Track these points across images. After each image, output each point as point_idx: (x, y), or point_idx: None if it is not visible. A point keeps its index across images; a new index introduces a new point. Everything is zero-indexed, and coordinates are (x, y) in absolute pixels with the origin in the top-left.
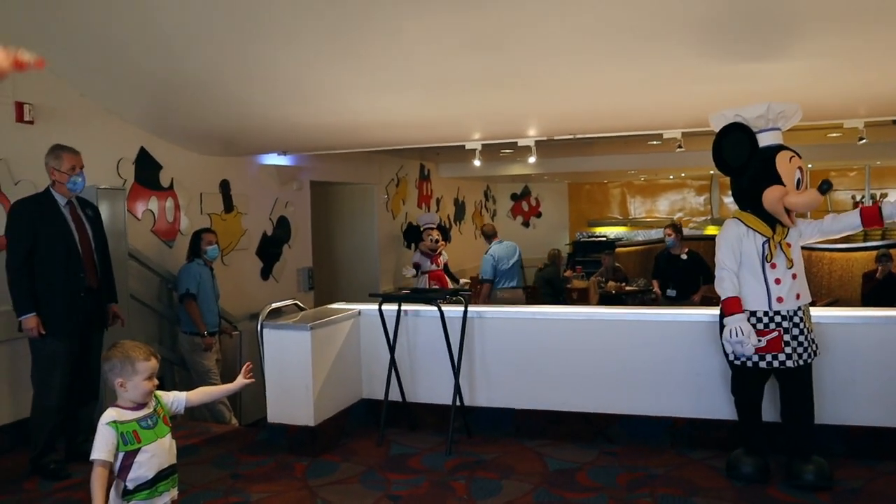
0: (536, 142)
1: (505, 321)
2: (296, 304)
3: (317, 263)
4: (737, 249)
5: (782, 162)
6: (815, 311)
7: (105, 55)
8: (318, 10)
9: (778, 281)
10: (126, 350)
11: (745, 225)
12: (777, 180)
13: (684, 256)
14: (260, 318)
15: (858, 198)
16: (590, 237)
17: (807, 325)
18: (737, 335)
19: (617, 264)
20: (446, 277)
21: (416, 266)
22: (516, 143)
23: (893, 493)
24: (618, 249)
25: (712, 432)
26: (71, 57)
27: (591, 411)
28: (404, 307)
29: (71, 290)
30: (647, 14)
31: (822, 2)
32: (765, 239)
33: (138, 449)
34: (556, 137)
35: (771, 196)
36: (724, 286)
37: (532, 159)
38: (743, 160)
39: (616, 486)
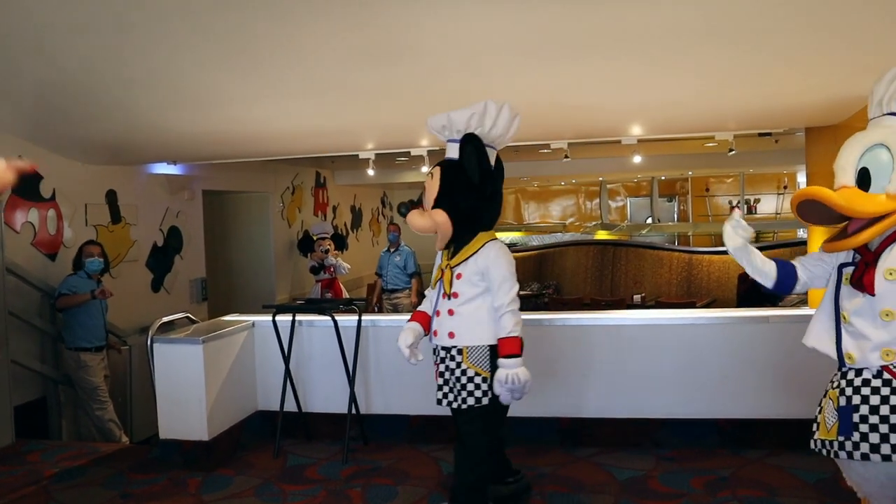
0: (430, 151)
1: (398, 329)
2: (188, 317)
3: (211, 274)
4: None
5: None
6: (692, 312)
7: None
8: (207, 16)
9: (438, 313)
10: None
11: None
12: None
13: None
14: (150, 333)
15: (735, 202)
16: None
17: (463, 368)
18: (511, 382)
19: None
20: (340, 286)
21: (319, 266)
22: (409, 152)
23: (758, 478)
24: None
25: (596, 430)
26: None
27: None
28: (299, 317)
29: None
30: (532, 32)
31: (692, 24)
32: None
33: None
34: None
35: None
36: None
37: (425, 169)
38: None
39: None
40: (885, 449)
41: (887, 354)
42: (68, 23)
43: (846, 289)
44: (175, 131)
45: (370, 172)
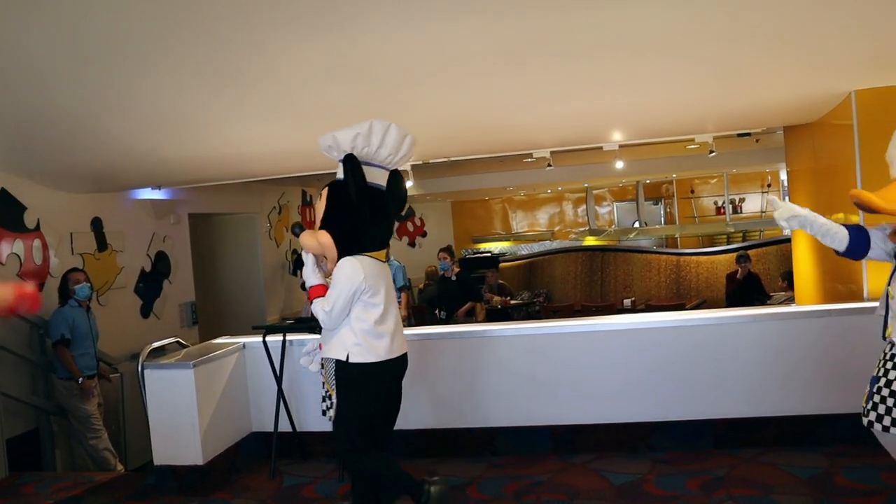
0: (415, 165)
1: None
2: (178, 342)
3: (200, 297)
4: None
5: None
6: (680, 314)
7: None
8: (186, 41)
9: None
10: None
11: None
12: None
13: (454, 278)
14: (140, 359)
15: (720, 203)
16: (475, 254)
17: (327, 384)
18: None
19: (501, 281)
20: None
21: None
22: None
23: (753, 477)
24: (501, 265)
25: (591, 436)
26: None
27: (476, 426)
28: (290, 336)
29: None
30: (508, 42)
31: (667, 30)
32: None
33: None
34: (431, 161)
35: None
36: None
37: (409, 183)
38: None
39: (504, 496)
40: (886, 421)
41: None
42: (49, 57)
43: None
44: (157, 156)
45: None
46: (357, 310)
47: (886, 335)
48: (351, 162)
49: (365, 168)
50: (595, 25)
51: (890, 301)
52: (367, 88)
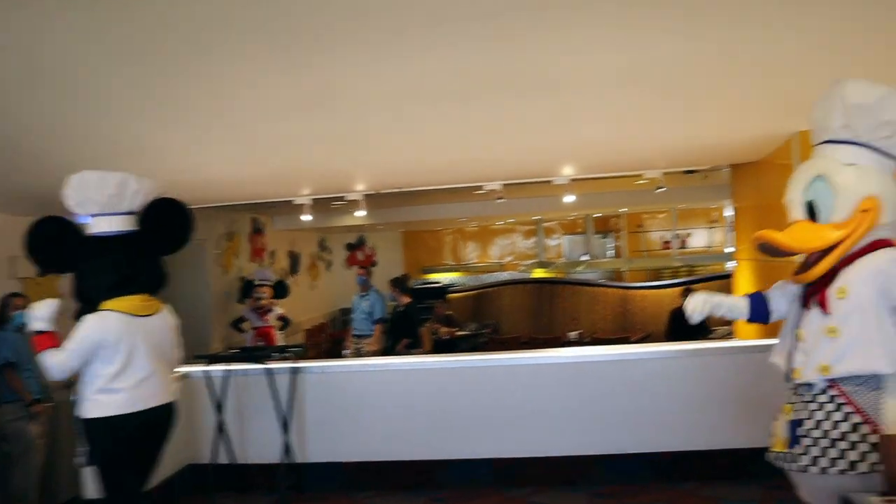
0: (366, 194)
1: (332, 375)
2: None
3: None
4: None
5: None
6: (622, 348)
7: None
8: (132, 66)
9: None
10: None
11: None
12: None
13: (401, 309)
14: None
15: (667, 237)
16: (424, 284)
17: None
18: None
19: (449, 312)
20: (274, 333)
21: (240, 319)
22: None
23: None
24: (451, 296)
25: (531, 469)
26: None
27: (417, 459)
28: (232, 367)
29: None
30: (457, 76)
31: (617, 69)
32: None
33: None
34: (383, 191)
35: None
36: None
37: (361, 213)
38: None
39: None
40: (823, 462)
41: (823, 370)
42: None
43: (803, 310)
44: None
45: (306, 217)
46: (95, 365)
47: (794, 377)
48: (28, 228)
49: (92, 220)
50: (545, 63)
51: (799, 343)
52: (320, 121)
